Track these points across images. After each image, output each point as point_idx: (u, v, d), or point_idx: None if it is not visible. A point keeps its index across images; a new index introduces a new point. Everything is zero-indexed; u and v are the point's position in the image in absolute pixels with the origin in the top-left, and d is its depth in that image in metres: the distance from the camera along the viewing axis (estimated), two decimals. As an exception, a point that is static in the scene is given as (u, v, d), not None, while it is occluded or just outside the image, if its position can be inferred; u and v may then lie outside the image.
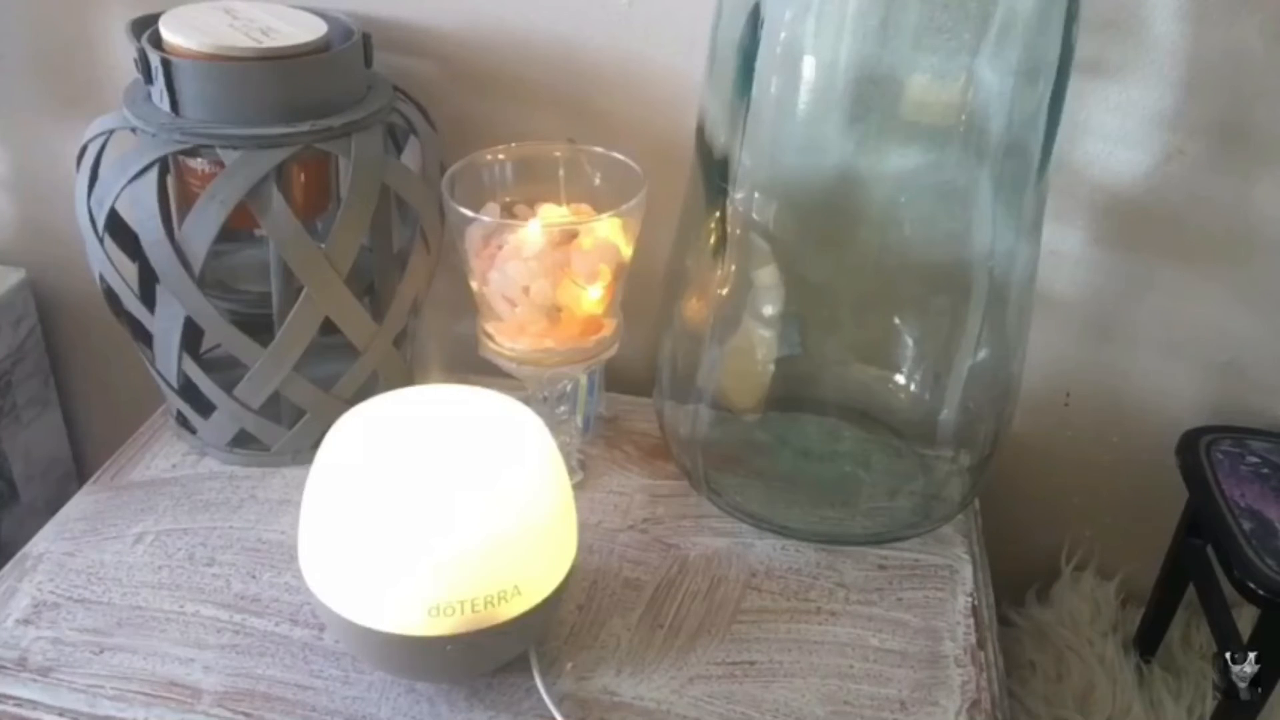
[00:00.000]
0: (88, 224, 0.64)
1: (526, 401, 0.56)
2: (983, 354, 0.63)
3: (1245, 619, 0.68)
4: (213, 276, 0.72)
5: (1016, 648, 0.79)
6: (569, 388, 0.67)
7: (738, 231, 0.61)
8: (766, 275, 0.62)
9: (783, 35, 0.55)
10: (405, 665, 0.53)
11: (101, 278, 0.66)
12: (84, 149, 0.64)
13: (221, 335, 0.64)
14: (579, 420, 0.71)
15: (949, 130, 0.57)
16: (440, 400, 0.55)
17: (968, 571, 0.65)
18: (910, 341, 0.67)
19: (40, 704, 0.54)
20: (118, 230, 0.66)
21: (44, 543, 0.64)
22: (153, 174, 0.61)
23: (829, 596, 0.63)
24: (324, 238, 0.63)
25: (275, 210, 0.60)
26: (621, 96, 0.74)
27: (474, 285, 0.62)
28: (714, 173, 0.61)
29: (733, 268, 0.62)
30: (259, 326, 0.65)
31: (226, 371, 0.67)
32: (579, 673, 0.57)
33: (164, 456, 0.71)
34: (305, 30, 0.64)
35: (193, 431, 0.71)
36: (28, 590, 0.60)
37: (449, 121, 0.74)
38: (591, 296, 0.61)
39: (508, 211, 0.62)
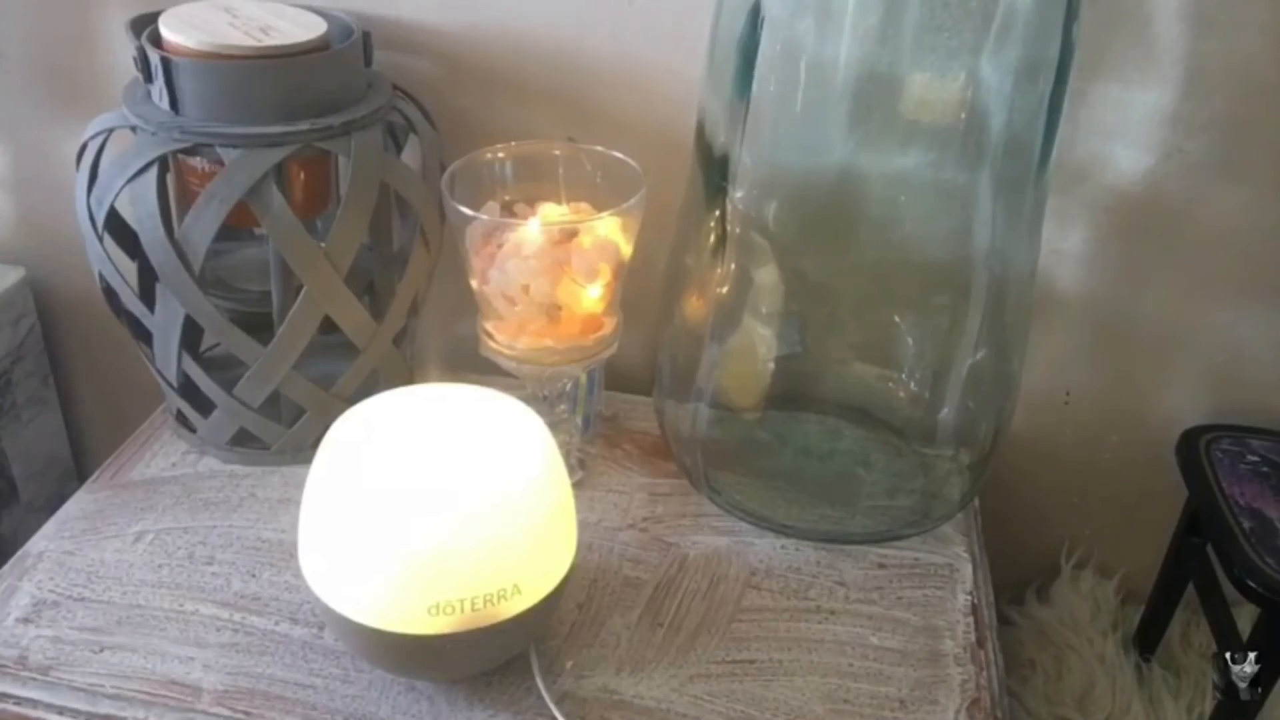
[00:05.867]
0: (87, 222, 0.64)
1: (526, 400, 0.56)
2: (983, 353, 0.63)
3: (1245, 618, 0.68)
4: (212, 275, 0.72)
5: (1016, 646, 0.79)
6: (569, 386, 0.67)
7: (737, 230, 0.61)
8: (766, 274, 0.62)
9: (783, 34, 0.55)
10: (405, 663, 0.53)
11: (101, 276, 0.66)
12: (84, 147, 0.65)
13: (221, 334, 0.64)
14: (579, 419, 0.71)
15: (949, 129, 0.57)
16: (440, 399, 0.55)
17: (967, 570, 0.65)
18: (910, 340, 0.67)
19: (40, 703, 0.54)
20: (117, 229, 0.66)
21: (44, 541, 0.64)
22: (152, 172, 0.61)
23: (829, 595, 0.63)
24: (324, 236, 0.63)
25: (275, 209, 0.60)
26: (621, 95, 0.74)
27: (474, 284, 0.62)
28: (714, 171, 0.61)
29: (733, 266, 0.62)
30: (259, 325, 0.65)
31: (226, 370, 0.67)
32: (579, 671, 0.57)
33: (164, 455, 0.71)
34: (305, 29, 0.64)
35: (192, 430, 0.71)
36: (28, 589, 0.60)
37: (449, 120, 0.74)
38: (591, 295, 0.61)
39: (507, 210, 0.62)
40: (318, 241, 0.62)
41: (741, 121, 0.57)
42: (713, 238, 0.62)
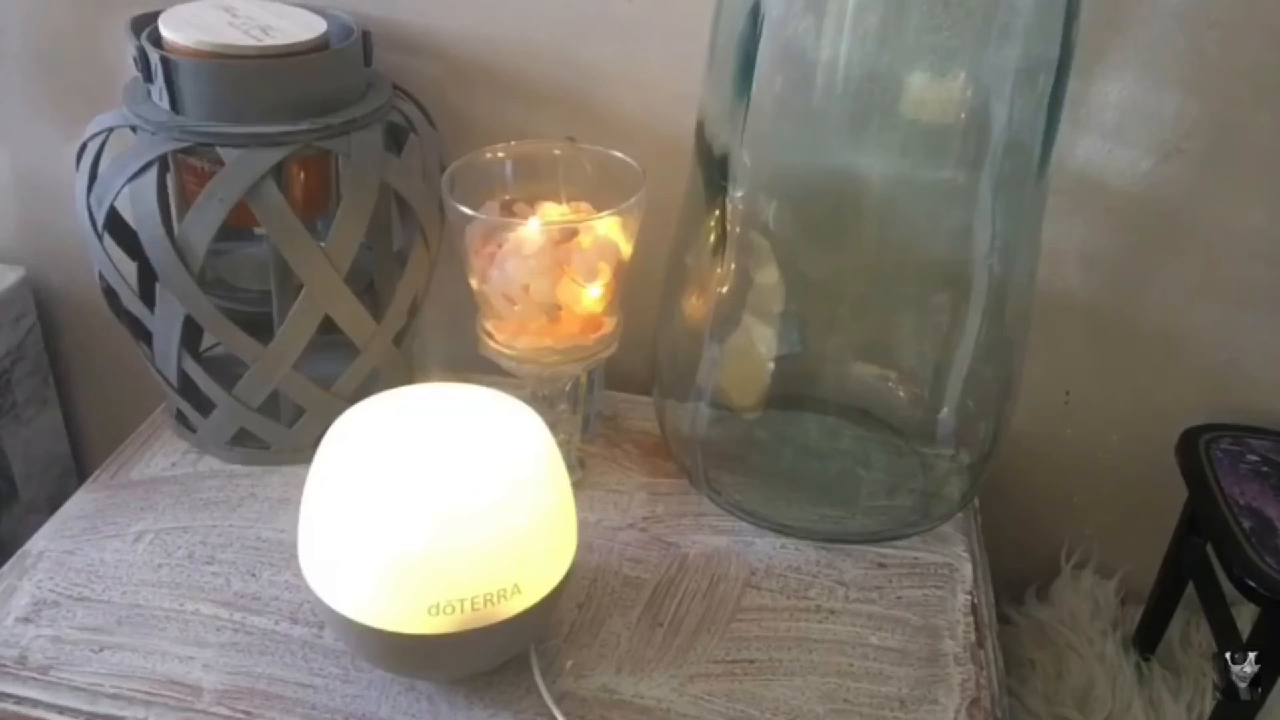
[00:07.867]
0: (87, 222, 0.64)
1: (526, 400, 0.56)
2: (983, 353, 0.63)
3: (1245, 617, 0.68)
4: (212, 275, 0.72)
5: (1016, 646, 0.79)
6: (569, 386, 0.67)
7: (737, 229, 0.61)
8: (766, 274, 0.62)
9: (783, 33, 0.55)
10: (405, 663, 0.53)
11: (101, 276, 0.66)
12: (83, 147, 0.65)
13: (221, 333, 0.64)
14: (579, 418, 0.71)
15: (949, 128, 0.57)
16: (440, 398, 0.55)
17: (967, 570, 0.65)
18: (910, 340, 0.67)
19: (40, 702, 0.54)
20: (117, 228, 0.66)
21: (44, 541, 0.64)
22: (152, 172, 0.61)
23: (829, 595, 0.63)
24: (324, 236, 0.63)
25: (275, 208, 0.60)
26: (621, 95, 0.74)
27: (474, 283, 0.62)
28: (714, 171, 0.61)
29: (732, 266, 0.62)
30: (259, 325, 0.65)
31: (226, 370, 0.67)
32: (579, 671, 0.57)
33: (164, 455, 0.71)
34: (305, 28, 0.64)
35: (192, 430, 0.71)
36: (28, 588, 0.60)
37: (449, 120, 0.74)
38: (591, 295, 0.61)
39: (507, 210, 0.62)
40: (318, 241, 0.62)
41: (741, 121, 0.57)
42: (713, 238, 0.62)
